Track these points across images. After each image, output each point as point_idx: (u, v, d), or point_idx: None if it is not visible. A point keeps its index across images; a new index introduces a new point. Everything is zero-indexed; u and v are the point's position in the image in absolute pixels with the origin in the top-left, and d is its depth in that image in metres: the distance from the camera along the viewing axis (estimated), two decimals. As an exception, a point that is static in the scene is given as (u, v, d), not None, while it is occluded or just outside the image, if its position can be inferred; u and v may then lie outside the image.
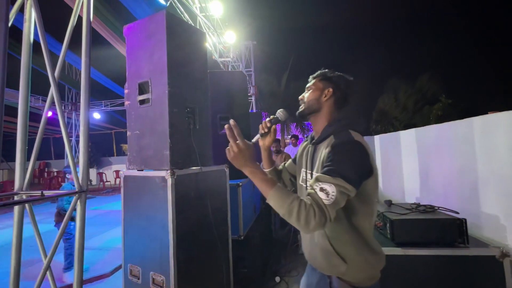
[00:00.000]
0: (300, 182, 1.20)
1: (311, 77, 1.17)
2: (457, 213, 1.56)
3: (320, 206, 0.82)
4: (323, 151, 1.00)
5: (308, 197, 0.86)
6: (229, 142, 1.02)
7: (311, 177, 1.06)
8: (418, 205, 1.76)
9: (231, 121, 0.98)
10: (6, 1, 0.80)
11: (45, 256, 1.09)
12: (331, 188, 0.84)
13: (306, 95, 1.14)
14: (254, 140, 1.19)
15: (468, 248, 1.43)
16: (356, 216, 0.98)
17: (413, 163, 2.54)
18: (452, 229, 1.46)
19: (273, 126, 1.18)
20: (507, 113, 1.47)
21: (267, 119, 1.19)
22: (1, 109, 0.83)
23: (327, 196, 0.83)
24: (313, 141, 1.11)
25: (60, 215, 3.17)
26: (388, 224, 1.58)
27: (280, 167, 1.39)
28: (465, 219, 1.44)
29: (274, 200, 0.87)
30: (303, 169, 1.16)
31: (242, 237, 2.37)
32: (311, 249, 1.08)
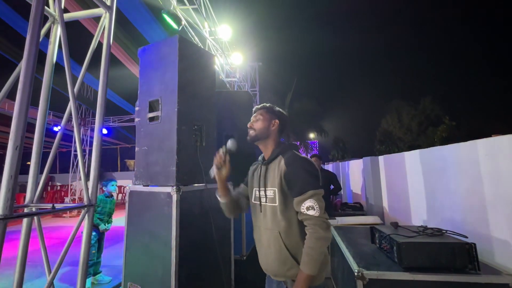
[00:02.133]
0: (254, 201, 1.33)
1: (256, 108, 1.38)
2: (466, 237, 1.53)
3: (317, 222, 1.08)
4: (276, 168, 1.22)
5: (307, 227, 1.10)
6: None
7: (265, 193, 1.24)
8: (426, 228, 1.72)
9: None
10: (39, 27, 0.89)
11: (49, 271, 1.09)
12: (311, 202, 1.10)
13: (255, 124, 1.33)
14: (213, 175, 1.30)
15: (480, 275, 1.37)
16: (303, 225, 1.14)
17: (418, 185, 2.51)
18: (462, 254, 1.42)
19: (227, 157, 1.29)
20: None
21: (221, 151, 1.29)
22: (24, 125, 0.88)
23: (314, 210, 1.09)
24: (264, 161, 1.31)
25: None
26: (395, 247, 1.54)
27: (234, 193, 1.44)
28: (475, 244, 1.40)
29: (314, 267, 1.06)
30: (256, 188, 1.31)
31: (244, 257, 2.32)
32: (268, 259, 1.22)
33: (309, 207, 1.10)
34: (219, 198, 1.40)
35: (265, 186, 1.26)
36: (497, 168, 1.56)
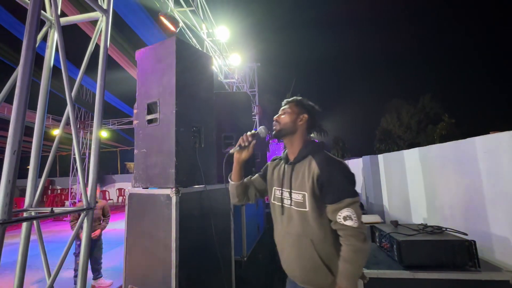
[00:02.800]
0: (273, 201, 1.25)
1: (286, 101, 1.26)
2: (466, 234, 1.53)
3: (354, 233, 1.00)
4: (306, 170, 1.11)
5: (343, 238, 1.02)
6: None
7: (290, 196, 1.14)
8: (425, 226, 1.72)
9: None
10: (35, 31, 0.89)
11: (49, 275, 1.09)
12: (349, 212, 1.00)
13: (281, 117, 1.22)
14: (232, 151, 1.24)
15: (480, 272, 1.38)
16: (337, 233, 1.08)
17: (418, 183, 2.51)
18: (462, 252, 1.42)
19: (253, 142, 1.22)
20: (510, 132, 1.48)
21: (249, 133, 1.23)
22: (22, 130, 0.88)
23: (352, 220, 1.00)
24: (290, 161, 1.20)
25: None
26: (395, 246, 1.55)
27: (246, 180, 1.38)
28: (474, 241, 1.41)
29: (353, 281, 1.00)
30: (277, 188, 1.23)
31: (245, 258, 2.31)
32: (295, 265, 1.14)
33: (346, 216, 1.00)
34: (229, 180, 1.33)
35: (290, 188, 1.14)
36: (496, 165, 1.56)
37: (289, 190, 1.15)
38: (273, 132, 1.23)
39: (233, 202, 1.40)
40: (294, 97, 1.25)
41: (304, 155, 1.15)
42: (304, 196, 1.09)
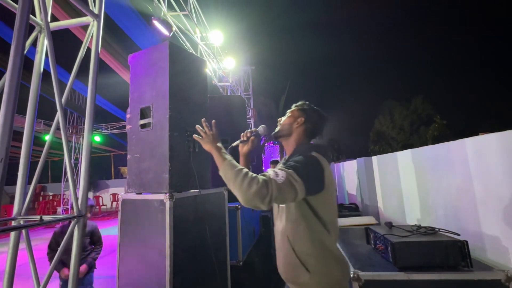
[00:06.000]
0: None
1: (293, 105, 1.35)
2: (458, 234, 1.55)
3: (266, 179, 0.94)
4: None
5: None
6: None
7: None
8: (419, 227, 1.74)
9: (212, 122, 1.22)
10: (24, 36, 0.88)
11: (38, 285, 1.06)
12: (281, 173, 0.98)
13: (283, 119, 1.32)
14: (234, 144, 1.38)
15: (472, 272, 1.39)
16: (314, 230, 1.10)
17: (412, 184, 2.54)
18: (455, 252, 1.43)
19: (251, 137, 1.34)
20: (498, 134, 1.51)
21: (249, 130, 1.36)
22: (9, 137, 0.86)
23: (277, 176, 0.96)
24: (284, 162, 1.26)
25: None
26: (389, 247, 1.55)
27: None
28: (467, 241, 1.42)
29: (226, 167, 1.02)
30: None
31: (241, 263, 2.30)
32: (279, 262, 1.19)
33: (276, 172, 0.99)
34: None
35: None
36: (486, 165, 1.59)
37: None
38: (273, 132, 1.33)
39: None
40: (300, 102, 1.33)
41: (293, 155, 1.20)
42: None
